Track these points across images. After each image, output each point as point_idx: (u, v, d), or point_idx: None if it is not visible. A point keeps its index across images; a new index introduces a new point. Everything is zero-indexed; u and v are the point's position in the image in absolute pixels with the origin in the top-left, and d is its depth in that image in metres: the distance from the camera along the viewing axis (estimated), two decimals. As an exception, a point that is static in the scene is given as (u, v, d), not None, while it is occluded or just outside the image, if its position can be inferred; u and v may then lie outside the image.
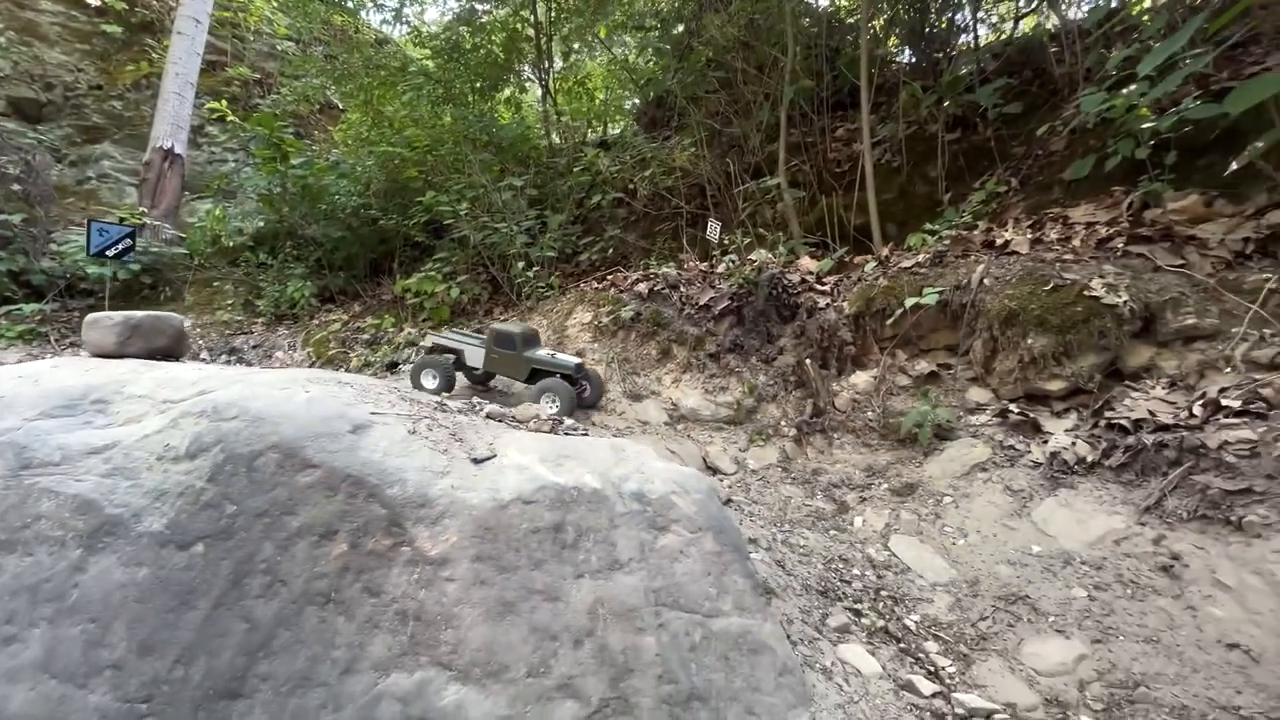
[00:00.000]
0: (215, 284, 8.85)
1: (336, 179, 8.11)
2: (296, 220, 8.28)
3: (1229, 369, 2.57)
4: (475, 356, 4.22)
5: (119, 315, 2.57)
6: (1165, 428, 2.35)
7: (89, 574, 1.51)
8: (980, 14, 7.20)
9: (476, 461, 1.88)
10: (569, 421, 2.90)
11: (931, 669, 1.96)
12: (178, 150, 8.71)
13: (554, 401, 3.68)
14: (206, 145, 11.07)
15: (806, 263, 4.96)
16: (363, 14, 10.95)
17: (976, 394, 3.39)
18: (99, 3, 10.86)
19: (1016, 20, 7.27)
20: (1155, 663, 1.75)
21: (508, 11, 9.02)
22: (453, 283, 7.07)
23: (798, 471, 3.59)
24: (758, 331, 4.50)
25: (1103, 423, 2.64)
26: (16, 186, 8.90)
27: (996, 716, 1.68)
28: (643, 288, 5.01)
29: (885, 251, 4.61)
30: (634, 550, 1.79)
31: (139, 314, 2.62)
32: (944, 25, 6.85)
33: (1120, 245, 3.36)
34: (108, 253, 2.77)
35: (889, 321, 3.84)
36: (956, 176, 5.71)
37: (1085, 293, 3.03)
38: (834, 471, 3.48)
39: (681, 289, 4.92)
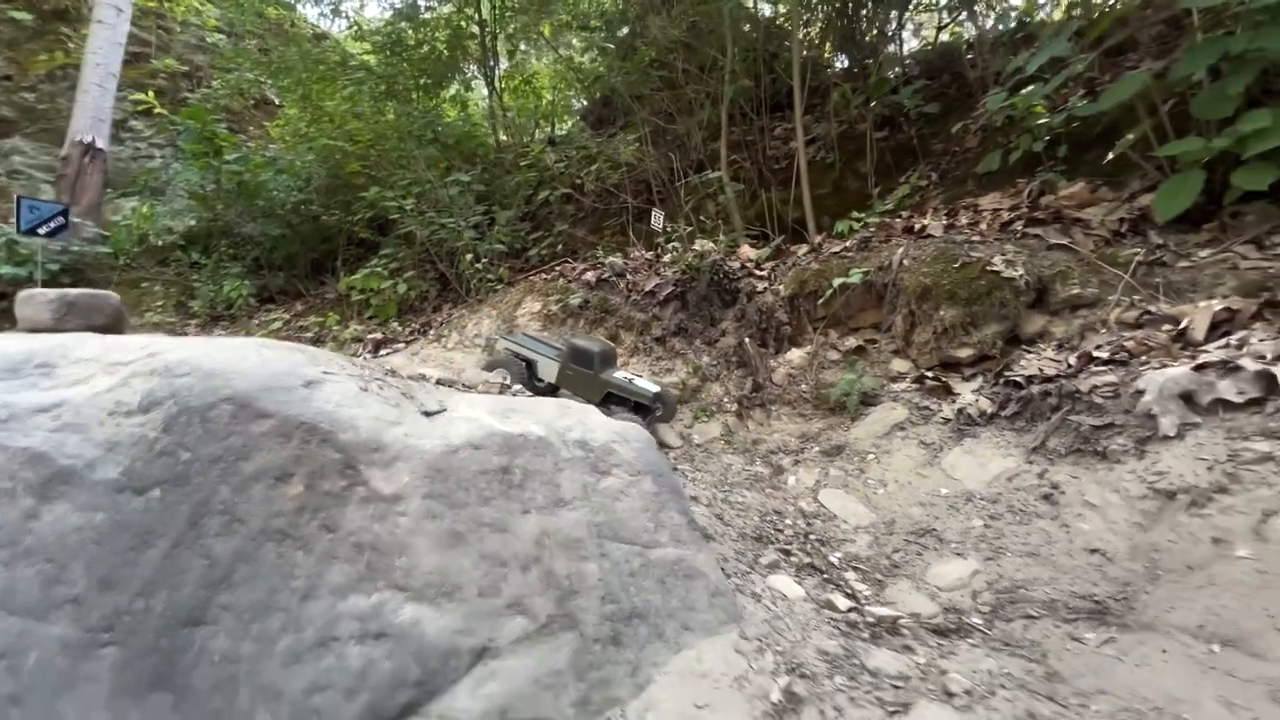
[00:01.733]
0: (144, 285, 8.51)
1: (275, 174, 7.94)
2: (232, 218, 8.07)
3: (1104, 329, 2.94)
4: (548, 369, 3.94)
5: (54, 292, 2.56)
6: (1049, 379, 2.69)
7: (43, 520, 1.56)
8: (906, 23, 7.73)
9: (428, 414, 2.01)
10: (517, 386, 3.03)
11: (849, 592, 2.19)
12: (99, 144, 8.35)
13: None
14: (130, 140, 10.60)
15: (747, 251, 5.24)
16: (300, 7, 10.75)
17: (898, 364, 3.70)
18: (6, -12, 10.27)
19: (939, 30, 7.85)
20: (1034, 570, 2.03)
21: (451, 8, 9.06)
22: (399, 279, 7.06)
23: (739, 442, 3.82)
24: (701, 315, 4.74)
25: (1001, 381, 2.97)
26: (-86, 182, 8.36)
27: (900, 621, 1.92)
28: (590, 276, 5.19)
29: (819, 239, 4.93)
30: (577, 490, 1.95)
31: (75, 291, 2.61)
32: (873, 34, 7.32)
33: (1020, 228, 3.74)
34: (39, 230, 2.72)
35: (820, 302, 4.13)
36: (884, 172, 6.13)
37: (988, 268, 3.38)
38: (772, 440, 3.73)
39: (628, 277, 5.12)
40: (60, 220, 2.73)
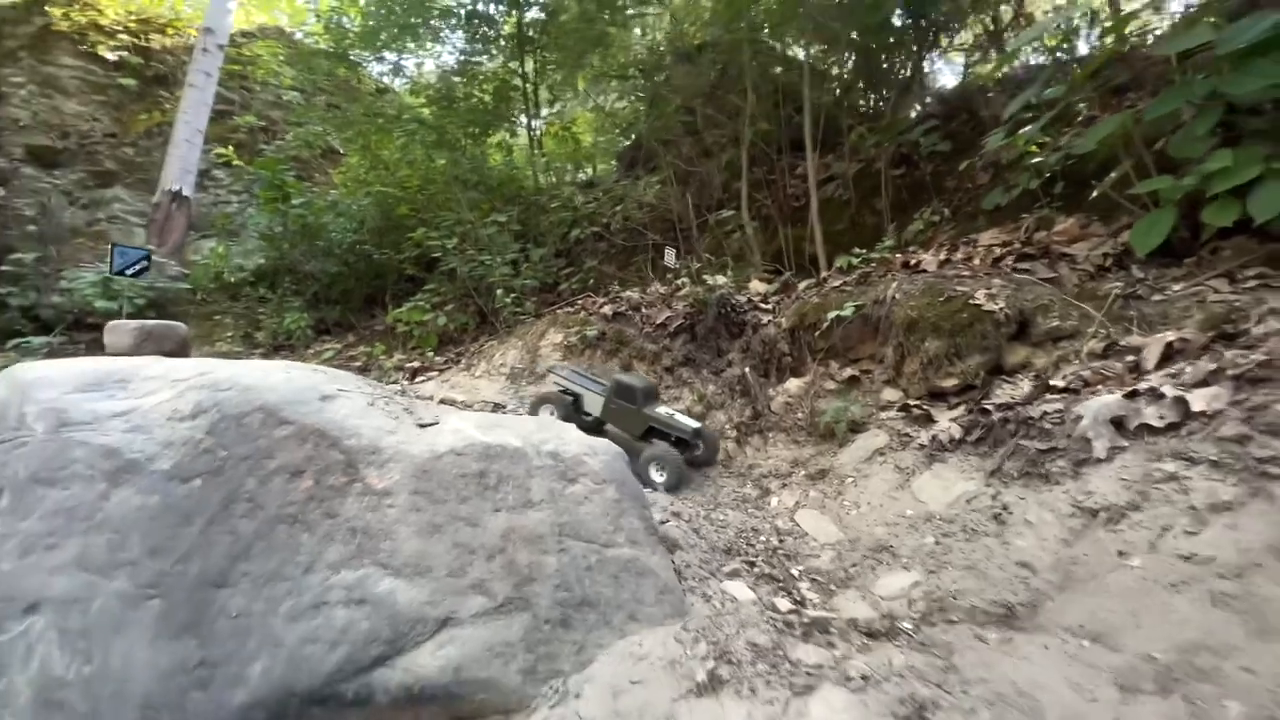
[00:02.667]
0: (216, 317, 9.44)
1: (334, 217, 8.77)
2: (296, 257, 8.91)
3: (1077, 360, 3.06)
4: (594, 404, 4.12)
5: (134, 323, 3.11)
6: (1009, 407, 2.83)
7: (112, 501, 1.98)
8: (933, 62, 8.00)
9: (421, 426, 2.37)
10: (511, 405, 3.38)
11: (798, 598, 2.39)
12: (185, 192, 9.43)
13: (661, 471, 3.56)
14: (212, 188, 11.87)
15: (756, 285, 5.52)
16: (365, 66, 11.90)
17: (889, 393, 3.87)
18: (116, 58, 11.77)
19: (966, 69, 8.06)
20: (967, 582, 2.19)
21: (498, 64, 9.90)
22: (440, 312, 7.63)
23: (736, 467, 4.04)
24: (709, 347, 5.02)
25: (972, 409, 3.12)
26: (32, 227, 9.65)
27: (833, 622, 2.12)
28: (608, 310, 5.56)
29: (825, 274, 5.16)
30: (545, 494, 2.26)
31: (151, 322, 3.15)
32: (897, 75, 7.60)
33: (1010, 263, 3.89)
34: (127, 271, 3.31)
35: (818, 334, 4.35)
36: (900, 208, 6.33)
37: (971, 302, 3.55)
38: (766, 465, 3.93)
39: (643, 310, 5.46)
40: (144, 263, 3.30)
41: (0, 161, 10.17)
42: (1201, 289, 2.98)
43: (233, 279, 9.64)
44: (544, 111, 10.39)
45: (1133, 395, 2.32)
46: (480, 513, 2.13)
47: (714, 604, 2.26)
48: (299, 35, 13.31)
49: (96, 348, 5.01)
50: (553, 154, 10.63)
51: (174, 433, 2.14)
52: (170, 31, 12.57)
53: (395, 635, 1.79)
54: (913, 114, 7.27)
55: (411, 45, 9.96)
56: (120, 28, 11.98)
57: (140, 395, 2.32)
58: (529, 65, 9.60)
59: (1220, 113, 3.04)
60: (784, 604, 2.29)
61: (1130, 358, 2.77)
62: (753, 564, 2.68)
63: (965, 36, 7.89)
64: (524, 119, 10.21)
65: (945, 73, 8.76)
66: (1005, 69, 6.30)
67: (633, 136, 9.52)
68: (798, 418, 4.13)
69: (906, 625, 2.09)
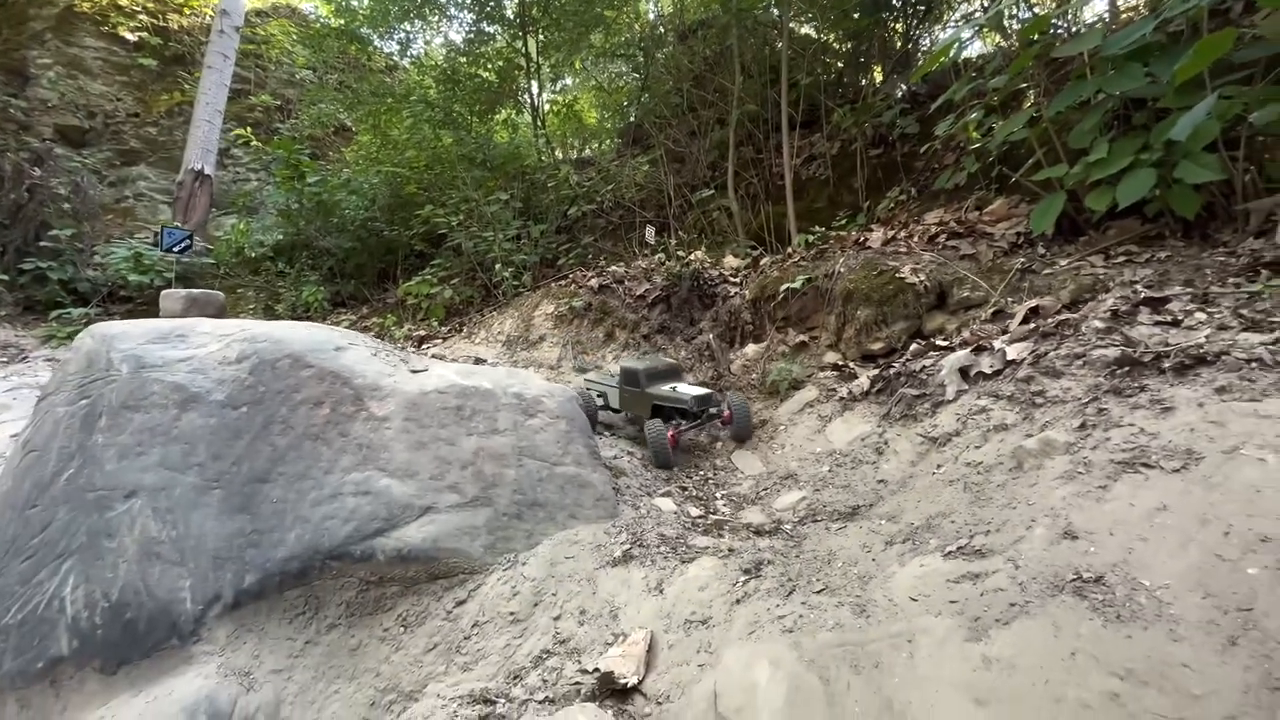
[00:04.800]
0: (239, 290, 10.26)
1: (348, 195, 9.46)
2: (312, 233, 9.64)
3: (976, 325, 3.65)
4: (614, 397, 4.34)
5: (183, 291, 3.86)
6: (902, 363, 3.45)
7: (182, 422, 2.72)
8: (920, 42, 8.37)
9: (414, 372, 3.07)
10: (492, 360, 4.07)
11: (711, 510, 3.07)
12: (207, 171, 10.18)
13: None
14: (232, 166, 12.65)
15: (730, 260, 6.12)
16: (375, 43, 12.49)
17: (830, 356, 4.49)
18: (136, 38, 12.49)
19: (958, 47, 8.41)
20: (839, 496, 2.84)
21: (502, 44, 10.44)
22: (446, 285, 8.33)
23: (696, 422, 4.70)
24: (683, 316, 5.66)
25: (882, 367, 3.74)
26: (66, 205, 10.51)
27: (729, 523, 2.80)
28: (594, 283, 6.22)
29: (790, 249, 5.74)
30: (509, 424, 2.96)
31: (196, 290, 3.90)
32: (888, 53, 8.02)
33: (943, 241, 4.46)
34: (175, 249, 4.04)
35: (774, 304, 4.97)
36: (875, 187, 6.84)
37: (898, 275, 4.14)
38: (721, 420, 4.59)
39: (625, 283, 6.11)
40: (187, 241, 4.03)
41: (33, 142, 11.01)
42: (1081, 264, 3.54)
43: (253, 254, 10.44)
44: (547, 90, 10.93)
45: (979, 350, 2.92)
46: (457, 436, 2.83)
47: (641, 511, 2.95)
48: (310, 12, 13.91)
49: (130, 319, 5.77)
50: (555, 132, 11.18)
51: (224, 373, 2.86)
52: (187, 11, 13.25)
53: (390, 515, 2.51)
54: (899, 94, 7.71)
55: (418, 23, 10.54)
56: (139, 8, 12.66)
57: (196, 346, 3.05)
58: (531, 45, 10.12)
59: (1104, 110, 3.56)
60: (696, 512, 2.97)
61: (1006, 321, 3.36)
62: (685, 489, 3.37)
63: (959, 11, 8.25)
64: (527, 98, 10.76)
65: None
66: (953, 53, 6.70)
67: (632, 116, 10.05)
68: (752, 378, 4.77)
69: (786, 526, 2.76)
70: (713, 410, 3.88)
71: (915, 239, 4.64)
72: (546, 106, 11.31)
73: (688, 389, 3.85)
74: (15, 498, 2.64)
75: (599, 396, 4.42)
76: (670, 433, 3.72)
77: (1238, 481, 1.41)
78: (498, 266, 7.51)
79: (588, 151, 12.01)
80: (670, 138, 8.52)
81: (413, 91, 10.09)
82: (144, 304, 9.50)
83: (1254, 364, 1.75)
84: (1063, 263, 3.66)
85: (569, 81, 11.72)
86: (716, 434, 4.21)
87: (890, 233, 4.94)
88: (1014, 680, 1.26)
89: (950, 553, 1.74)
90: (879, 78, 8.18)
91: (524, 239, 8.41)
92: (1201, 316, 2.28)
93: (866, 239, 4.89)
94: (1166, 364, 1.94)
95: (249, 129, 11.09)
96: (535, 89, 10.54)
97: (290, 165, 9.17)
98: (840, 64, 8.53)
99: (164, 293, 3.84)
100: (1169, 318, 2.36)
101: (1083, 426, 1.96)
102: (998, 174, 4.80)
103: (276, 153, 9.31)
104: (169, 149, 12.42)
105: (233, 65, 10.81)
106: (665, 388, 3.94)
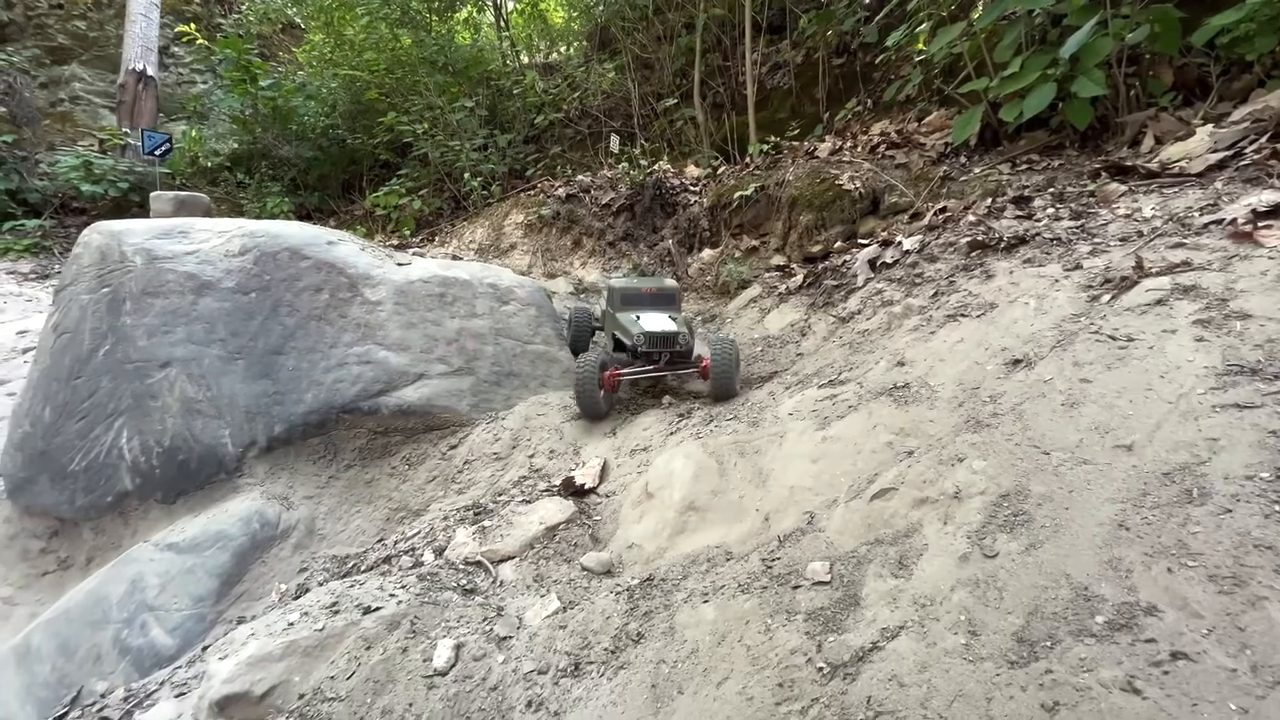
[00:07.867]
0: (197, 200, 10.27)
1: (304, 100, 9.44)
2: (269, 141, 9.65)
3: (899, 227, 4.28)
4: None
5: (171, 193, 4.25)
6: (826, 259, 4.09)
7: (200, 306, 3.25)
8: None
9: (400, 265, 3.61)
10: (466, 258, 4.61)
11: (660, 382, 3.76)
12: (150, 72, 9.97)
13: None
14: (174, 66, 12.28)
15: (692, 170, 6.58)
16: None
17: (777, 259, 5.11)
18: (52, -84, 11.70)
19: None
20: (766, 366, 3.54)
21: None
22: (415, 197, 8.58)
23: (655, 320, 5.34)
24: (646, 224, 6.18)
25: (814, 264, 4.37)
26: (1, 109, 10.27)
27: (673, 388, 3.48)
28: (561, 192, 6.65)
29: (746, 159, 6.23)
30: (486, 309, 3.55)
31: (184, 193, 4.30)
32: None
33: (882, 151, 5.00)
34: (155, 153, 4.38)
35: (729, 211, 5.52)
36: (837, 97, 7.24)
37: (837, 183, 4.71)
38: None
39: (591, 192, 6.55)
40: (167, 146, 4.37)
41: (-48, 37, 10.55)
42: (991, 172, 4.14)
43: (209, 163, 10.43)
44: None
45: (886, 244, 3.56)
46: (442, 318, 3.42)
47: (601, 383, 3.61)
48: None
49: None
50: (520, 33, 11.10)
51: (231, 264, 3.37)
52: (108, -114, 12.40)
53: (390, 379, 3.13)
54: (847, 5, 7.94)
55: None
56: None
57: (199, 242, 3.53)
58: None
59: (1022, 26, 4.06)
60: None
61: (921, 222, 3.99)
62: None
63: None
64: (489, -6, 10.60)
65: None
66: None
67: (599, 17, 10.05)
68: (707, 280, 5.39)
69: (720, 391, 3.45)
70: (678, 354, 3.27)
71: (858, 149, 5.17)
72: (510, 4, 11.15)
73: (650, 323, 3.24)
74: (58, 371, 3.18)
75: (598, 322, 3.96)
76: (608, 373, 3.15)
77: (1007, 318, 2.09)
78: (466, 176, 7.82)
79: (554, 56, 11.95)
80: (637, 43, 8.67)
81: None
82: (98, 215, 9.58)
83: (1054, 241, 2.40)
84: (977, 170, 4.26)
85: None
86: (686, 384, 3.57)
87: (839, 143, 5.45)
88: (836, 446, 1.97)
89: (822, 385, 2.44)
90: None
91: (491, 149, 8.64)
92: (1051, 211, 2.93)
93: (816, 149, 5.40)
94: (1001, 245, 2.60)
95: (191, 24, 10.79)
96: (497, -16, 10.38)
97: (240, 67, 9.02)
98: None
99: (153, 195, 4.23)
100: (1026, 212, 3.00)
101: (935, 294, 2.64)
102: (937, 87, 5.29)
103: (224, 52, 9.15)
104: (102, 45, 11.94)
105: (167, -48, 10.38)
106: (630, 316, 3.37)
